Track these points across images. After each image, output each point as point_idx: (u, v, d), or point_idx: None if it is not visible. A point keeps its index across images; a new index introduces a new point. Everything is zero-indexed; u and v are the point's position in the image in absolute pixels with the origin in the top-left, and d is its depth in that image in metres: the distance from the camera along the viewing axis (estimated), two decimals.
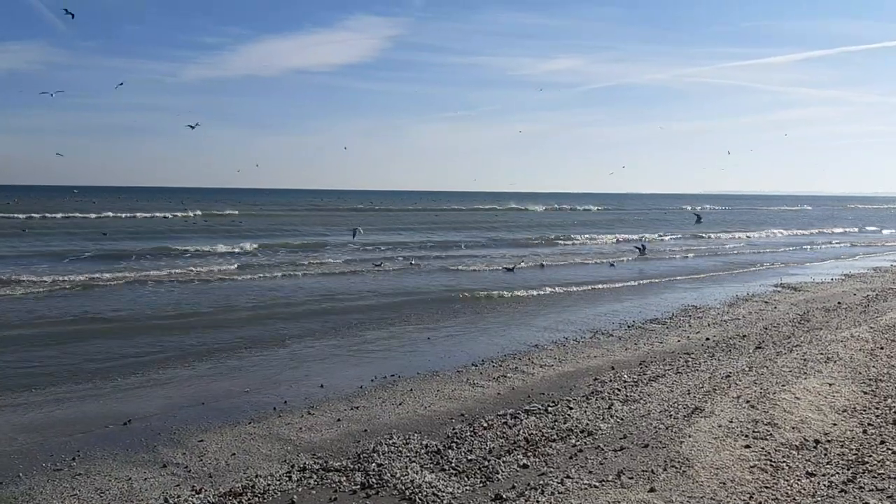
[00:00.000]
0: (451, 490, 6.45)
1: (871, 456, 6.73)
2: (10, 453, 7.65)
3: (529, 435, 7.86)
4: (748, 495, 5.93)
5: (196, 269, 24.10)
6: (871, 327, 13.35)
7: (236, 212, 66.67)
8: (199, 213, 62.50)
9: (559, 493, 6.20)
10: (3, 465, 7.31)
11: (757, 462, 6.64)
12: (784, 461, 6.64)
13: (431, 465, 7.08)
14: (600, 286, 21.56)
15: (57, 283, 20.23)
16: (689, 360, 11.47)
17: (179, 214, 60.77)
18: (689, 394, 9.14)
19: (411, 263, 27.18)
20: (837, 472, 6.38)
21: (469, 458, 7.23)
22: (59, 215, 56.34)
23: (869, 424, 7.70)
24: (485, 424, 8.34)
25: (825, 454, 6.84)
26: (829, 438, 7.27)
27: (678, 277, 24.40)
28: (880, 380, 9.49)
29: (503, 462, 7.04)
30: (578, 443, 7.53)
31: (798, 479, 6.24)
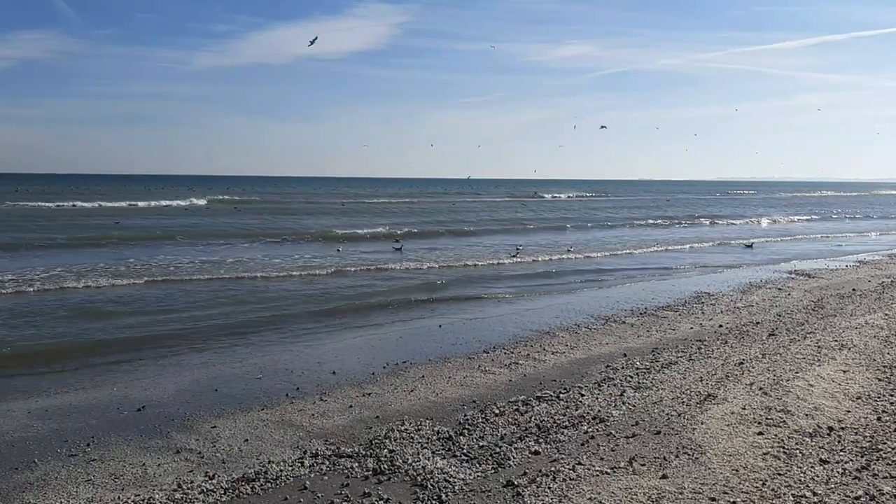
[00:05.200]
0: (462, 476, 6.46)
1: (885, 443, 6.68)
2: (26, 439, 7.73)
3: (541, 422, 7.86)
4: (761, 482, 5.90)
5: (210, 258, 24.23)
6: (886, 314, 13.22)
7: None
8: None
9: (571, 479, 6.19)
10: (18, 451, 7.38)
11: (770, 449, 6.60)
12: (797, 448, 6.60)
13: (443, 452, 7.10)
14: None
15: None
16: (702, 347, 11.42)
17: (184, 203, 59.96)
18: (701, 381, 9.10)
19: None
20: (851, 460, 6.33)
21: (481, 444, 7.24)
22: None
23: (883, 412, 7.64)
24: (496, 411, 8.34)
25: (839, 441, 6.80)
26: (843, 426, 7.21)
27: None
28: (895, 367, 9.41)
29: (515, 448, 7.04)
30: (590, 430, 7.51)
31: (811, 467, 6.20)
